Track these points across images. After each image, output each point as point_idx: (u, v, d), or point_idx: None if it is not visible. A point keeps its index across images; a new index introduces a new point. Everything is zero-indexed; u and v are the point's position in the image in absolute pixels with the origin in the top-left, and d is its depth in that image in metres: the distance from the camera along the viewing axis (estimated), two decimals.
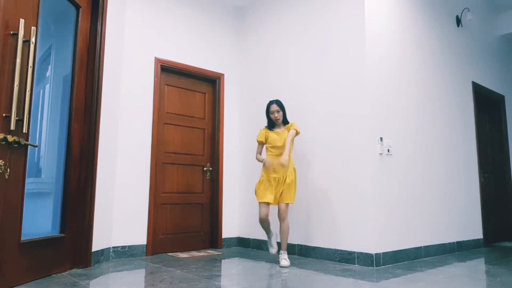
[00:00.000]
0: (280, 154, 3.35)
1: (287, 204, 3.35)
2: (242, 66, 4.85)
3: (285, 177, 3.34)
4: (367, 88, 3.44)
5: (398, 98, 3.75)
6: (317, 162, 3.77)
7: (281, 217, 3.37)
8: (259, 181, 3.43)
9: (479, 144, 4.98)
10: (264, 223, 3.37)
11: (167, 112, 4.24)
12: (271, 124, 3.54)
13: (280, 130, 3.49)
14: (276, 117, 3.48)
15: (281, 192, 3.33)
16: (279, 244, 3.48)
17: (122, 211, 3.69)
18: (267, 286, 2.55)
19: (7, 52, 2.24)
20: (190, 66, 4.40)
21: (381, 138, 3.44)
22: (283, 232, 3.37)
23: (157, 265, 3.30)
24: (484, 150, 5.21)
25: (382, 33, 3.66)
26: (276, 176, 3.34)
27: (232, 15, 4.92)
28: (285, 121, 3.53)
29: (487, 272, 3.12)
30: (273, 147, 3.43)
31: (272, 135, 3.47)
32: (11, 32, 2.26)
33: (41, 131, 2.83)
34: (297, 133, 3.44)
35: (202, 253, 3.99)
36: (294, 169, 3.43)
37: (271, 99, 3.62)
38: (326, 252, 3.56)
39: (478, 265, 3.43)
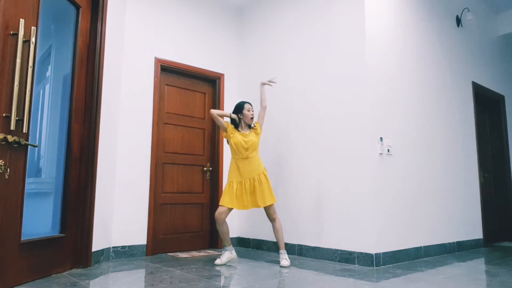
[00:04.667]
0: (247, 158, 3.38)
1: (270, 205, 3.37)
2: (242, 66, 4.85)
3: (257, 178, 3.35)
4: (367, 88, 3.44)
5: (398, 98, 3.75)
6: (317, 162, 3.77)
7: (271, 218, 3.40)
8: (227, 184, 3.43)
9: (479, 144, 4.98)
10: (220, 225, 3.32)
11: (167, 112, 4.24)
12: (235, 125, 3.53)
13: (246, 132, 3.50)
14: (252, 114, 3.52)
15: (262, 194, 3.33)
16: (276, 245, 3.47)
17: (122, 211, 3.69)
18: (267, 286, 2.55)
19: (7, 52, 2.24)
20: (190, 66, 4.40)
21: (381, 138, 3.44)
22: (277, 230, 3.37)
23: (157, 265, 3.30)
24: (484, 150, 5.21)
25: (382, 33, 3.66)
26: (246, 178, 3.37)
27: (232, 15, 4.92)
28: (250, 125, 3.58)
29: (487, 272, 3.12)
30: (238, 150, 3.40)
31: (237, 136, 3.43)
32: (11, 32, 2.26)
33: (41, 131, 2.83)
34: (261, 121, 3.59)
35: (202, 253, 3.99)
36: (264, 170, 3.43)
37: (243, 100, 3.66)
38: (326, 252, 3.56)
39: (478, 265, 3.43)
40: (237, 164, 3.42)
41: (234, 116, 3.52)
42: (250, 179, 3.38)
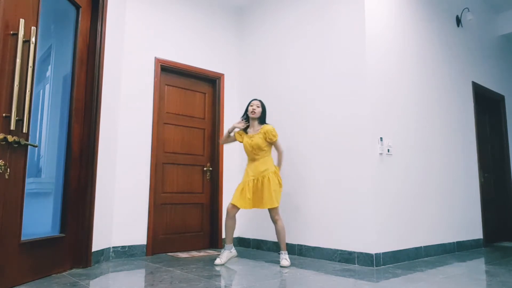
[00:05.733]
0: (253, 159, 3.46)
1: (274, 207, 3.35)
2: (242, 66, 4.85)
3: (261, 180, 3.37)
4: (367, 88, 3.44)
5: (398, 98, 3.75)
6: (317, 162, 3.77)
7: (273, 220, 3.41)
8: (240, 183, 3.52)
9: (479, 144, 4.98)
10: (228, 219, 3.36)
11: (167, 112, 4.24)
12: (246, 127, 3.59)
13: (254, 132, 3.52)
14: (254, 109, 3.52)
15: (262, 196, 3.35)
16: (278, 244, 3.47)
17: (122, 211, 3.69)
18: (267, 286, 2.55)
19: (7, 52, 2.24)
20: (190, 66, 4.40)
21: (381, 138, 3.44)
22: (278, 232, 3.37)
23: (157, 265, 3.30)
24: (484, 150, 5.21)
25: (382, 33, 3.66)
26: (250, 179, 3.42)
27: (232, 15, 4.92)
28: (262, 121, 3.56)
29: (487, 272, 3.12)
30: (247, 151, 3.52)
31: (245, 139, 3.52)
32: (11, 32, 2.26)
33: (41, 131, 2.83)
34: (274, 139, 3.45)
35: (202, 253, 3.99)
36: (274, 172, 3.41)
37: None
38: (326, 252, 3.56)
39: (478, 265, 3.43)
40: (247, 164, 3.56)
41: (239, 125, 3.57)
42: (254, 179, 3.40)
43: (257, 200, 3.38)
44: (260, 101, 3.61)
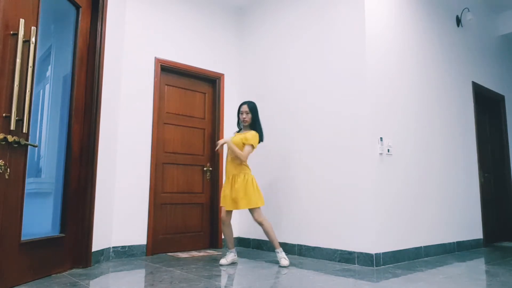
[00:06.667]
0: (233, 158, 3.38)
1: (253, 208, 3.30)
2: (242, 66, 4.85)
3: (234, 181, 3.34)
4: (367, 87, 3.44)
5: (398, 98, 3.75)
6: (317, 162, 3.77)
7: (257, 222, 3.36)
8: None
9: (479, 144, 4.98)
10: (224, 226, 3.37)
11: (167, 112, 4.25)
12: (240, 126, 3.58)
13: (243, 132, 3.49)
14: (244, 118, 3.47)
15: (237, 197, 3.29)
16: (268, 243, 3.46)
17: (122, 211, 3.69)
18: (267, 286, 2.55)
19: (7, 52, 2.24)
20: (190, 66, 4.40)
21: (381, 138, 3.44)
22: (267, 232, 3.34)
23: (157, 265, 3.30)
24: (484, 150, 5.22)
25: (382, 33, 3.66)
26: (228, 179, 3.40)
27: (232, 15, 4.92)
28: (252, 126, 3.47)
29: (487, 272, 3.12)
30: (229, 149, 3.42)
31: (234, 137, 3.46)
32: (11, 32, 2.27)
33: (41, 131, 2.83)
34: (253, 147, 3.35)
35: (202, 253, 3.99)
36: (246, 174, 3.35)
37: (245, 100, 3.66)
38: (326, 252, 3.56)
39: (478, 265, 3.43)
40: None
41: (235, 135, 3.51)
42: (230, 177, 3.40)
43: (236, 200, 3.33)
44: (248, 104, 3.47)
